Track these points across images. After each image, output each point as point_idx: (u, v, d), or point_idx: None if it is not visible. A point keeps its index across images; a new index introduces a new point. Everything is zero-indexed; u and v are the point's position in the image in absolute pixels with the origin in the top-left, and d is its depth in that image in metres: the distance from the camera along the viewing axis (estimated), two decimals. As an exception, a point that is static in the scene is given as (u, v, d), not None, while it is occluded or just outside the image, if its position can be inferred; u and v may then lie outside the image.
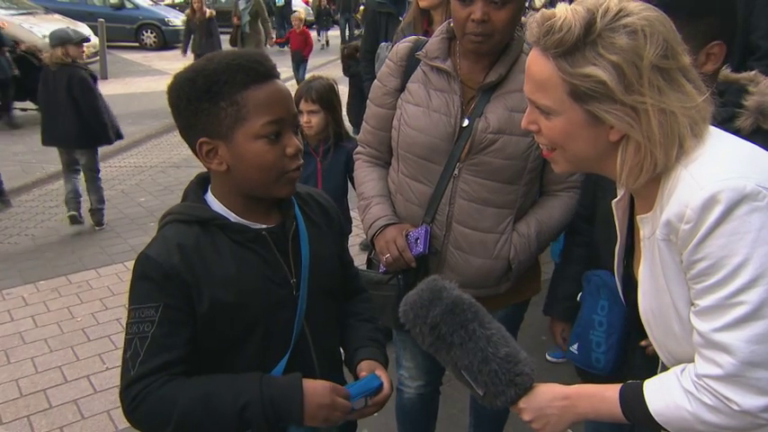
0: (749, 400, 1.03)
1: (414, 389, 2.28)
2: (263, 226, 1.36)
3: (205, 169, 1.39)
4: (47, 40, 11.80)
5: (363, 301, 1.66)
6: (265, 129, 1.26)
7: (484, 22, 1.73)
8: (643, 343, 1.70)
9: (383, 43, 3.94)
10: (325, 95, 2.96)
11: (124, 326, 3.86)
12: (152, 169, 7.00)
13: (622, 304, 1.80)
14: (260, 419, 1.24)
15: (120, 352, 3.58)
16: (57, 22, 12.81)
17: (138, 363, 1.24)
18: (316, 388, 1.28)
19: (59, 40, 4.91)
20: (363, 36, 4.72)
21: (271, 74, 1.29)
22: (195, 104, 1.25)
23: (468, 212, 1.90)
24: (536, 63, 1.10)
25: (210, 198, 1.37)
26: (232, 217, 1.34)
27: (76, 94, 4.87)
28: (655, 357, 1.74)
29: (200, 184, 1.40)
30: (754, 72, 1.46)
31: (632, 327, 1.80)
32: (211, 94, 1.24)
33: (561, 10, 1.07)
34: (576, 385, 1.29)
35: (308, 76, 2.87)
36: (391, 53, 2.01)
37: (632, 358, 1.84)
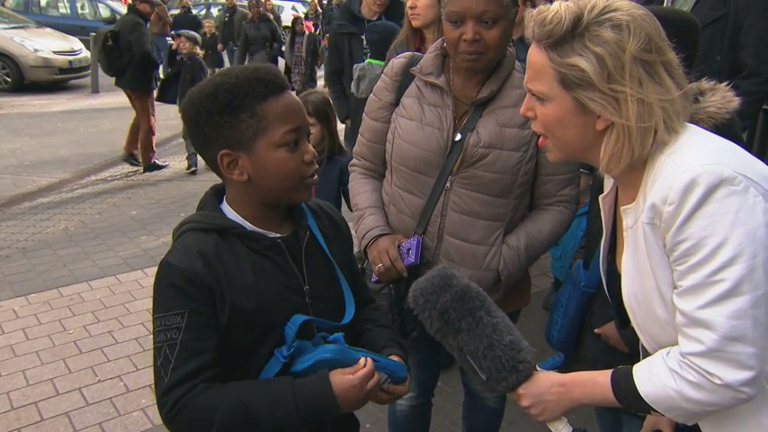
0: (730, 375, 1.09)
1: (406, 400, 2.30)
2: (278, 235, 1.40)
3: (208, 182, 1.43)
4: (38, 53, 11.94)
5: (375, 310, 1.69)
6: (286, 137, 1.31)
7: (476, 41, 1.79)
8: (597, 331, 1.94)
9: (357, 64, 4.03)
10: (321, 109, 3.00)
11: (116, 338, 3.84)
12: (143, 182, 7.01)
13: (580, 291, 2.01)
14: (299, 430, 1.29)
15: (112, 365, 3.56)
16: (49, 36, 12.90)
17: (170, 370, 1.26)
18: (345, 387, 1.29)
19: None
20: (327, 58, 4.84)
21: (286, 85, 1.35)
22: (216, 118, 1.30)
23: (459, 224, 1.94)
24: (532, 53, 1.20)
25: (226, 208, 1.40)
26: (248, 226, 1.38)
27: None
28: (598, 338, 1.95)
29: (216, 194, 1.43)
30: (720, 85, 1.52)
31: (589, 312, 2.03)
32: (232, 107, 1.29)
33: (555, 5, 1.17)
34: (572, 373, 1.34)
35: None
36: (386, 68, 2.06)
37: (585, 339, 2.04)
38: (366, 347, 1.52)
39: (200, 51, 7.24)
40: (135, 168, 7.48)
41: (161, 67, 8.51)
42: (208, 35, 12.19)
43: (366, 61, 3.98)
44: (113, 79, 7.33)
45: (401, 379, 1.44)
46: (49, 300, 4.26)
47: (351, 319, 1.46)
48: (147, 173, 7.35)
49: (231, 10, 12.76)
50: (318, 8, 16.55)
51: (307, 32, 10.32)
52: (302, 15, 13.15)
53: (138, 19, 7.07)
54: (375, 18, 4.16)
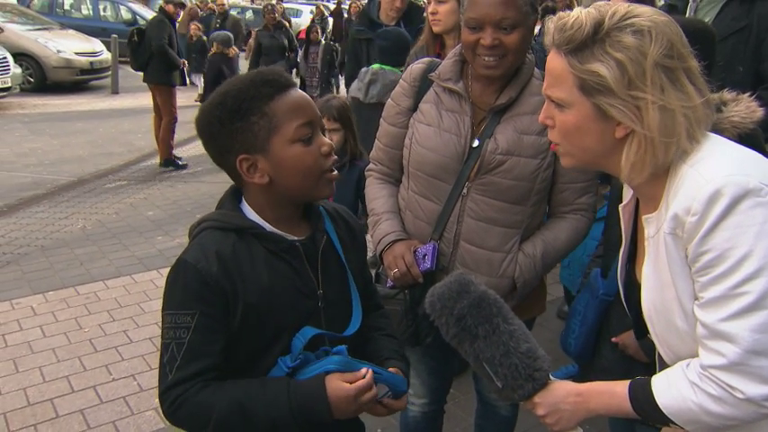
0: (753, 389, 1.07)
1: (418, 406, 2.30)
2: (295, 238, 1.40)
3: (224, 184, 1.43)
4: (61, 54, 12.25)
5: (383, 317, 1.69)
6: (299, 132, 1.32)
7: (495, 47, 1.79)
8: (615, 339, 1.92)
9: (366, 68, 4.05)
10: (344, 114, 3.01)
11: (130, 338, 3.87)
12: (160, 183, 7.07)
13: (598, 299, 2.00)
14: (292, 429, 1.30)
15: (126, 364, 3.59)
16: (71, 38, 13.09)
17: (175, 368, 1.29)
18: (339, 395, 1.29)
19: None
20: (346, 64, 4.86)
21: (291, 83, 1.36)
22: (228, 125, 1.31)
23: (475, 231, 1.93)
24: (552, 60, 1.19)
25: (246, 208, 1.41)
26: (267, 227, 1.38)
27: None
28: (616, 348, 1.94)
29: (235, 194, 1.44)
30: (743, 95, 1.51)
31: (606, 321, 2.01)
32: (242, 112, 1.30)
33: (576, 11, 1.16)
34: (588, 383, 1.33)
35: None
36: (405, 74, 2.07)
37: (602, 348, 2.03)
38: (370, 356, 1.53)
39: (228, 51, 7.70)
40: (152, 169, 7.57)
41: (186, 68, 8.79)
42: (194, 38, 11.20)
43: (377, 66, 3.98)
44: (135, 80, 7.69)
45: (401, 393, 1.44)
46: (65, 298, 4.30)
47: (355, 330, 1.45)
48: (163, 171, 7.47)
49: (222, 16, 12.03)
50: (325, 13, 15.71)
51: (323, 42, 9.82)
52: (317, 20, 12.63)
53: (163, 18, 7.52)
54: (393, 24, 4.18)
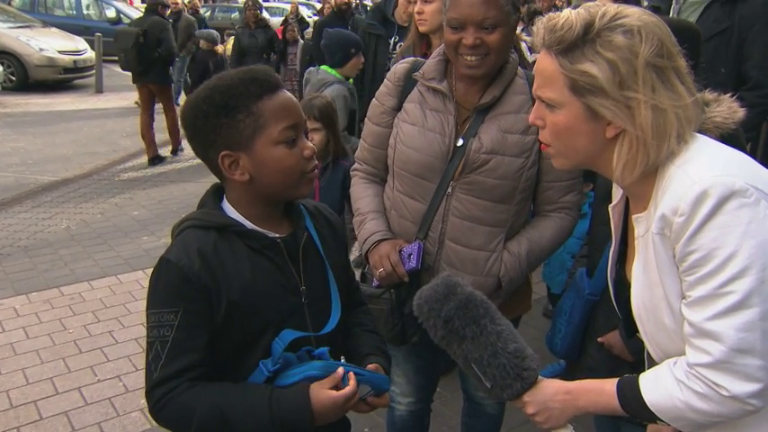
0: (737, 386, 1.09)
1: (405, 405, 2.30)
2: (277, 235, 1.41)
3: (210, 183, 1.43)
4: (43, 53, 12.18)
5: (366, 313, 1.70)
6: (283, 134, 1.32)
7: (477, 46, 1.80)
8: (600, 339, 1.94)
9: (311, 68, 4.10)
10: (326, 113, 3.00)
11: (116, 338, 3.84)
12: (146, 183, 7.02)
13: (584, 299, 2.02)
14: None
15: (111, 365, 3.56)
16: (54, 36, 12.95)
17: (159, 366, 1.29)
18: (326, 404, 1.29)
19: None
20: None
21: (280, 84, 1.36)
22: (214, 120, 1.31)
23: (460, 230, 1.94)
24: (542, 60, 1.20)
25: (227, 206, 1.41)
26: (247, 224, 1.39)
27: None
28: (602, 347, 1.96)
29: (216, 192, 1.44)
30: (725, 96, 1.53)
31: (592, 320, 2.03)
32: (229, 108, 1.30)
33: (565, 12, 1.17)
34: (577, 381, 1.35)
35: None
36: (389, 73, 2.07)
37: (589, 347, 2.05)
38: (351, 352, 1.54)
39: (215, 47, 7.99)
40: (138, 169, 7.53)
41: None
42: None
43: (320, 67, 4.05)
44: (119, 80, 7.79)
45: (384, 391, 1.45)
46: (49, 299, 4.26)
47: (333, 328, 1.45)
48: (148, 171, 7.53)
49: (176, 15, 10.86)
50: (300, 12, 14.52)
51: (301, 42, 9.24)
52: (291, 19, 11.56)
53: (164, 20, 7.85)
54: (406, 25, 4.18)
